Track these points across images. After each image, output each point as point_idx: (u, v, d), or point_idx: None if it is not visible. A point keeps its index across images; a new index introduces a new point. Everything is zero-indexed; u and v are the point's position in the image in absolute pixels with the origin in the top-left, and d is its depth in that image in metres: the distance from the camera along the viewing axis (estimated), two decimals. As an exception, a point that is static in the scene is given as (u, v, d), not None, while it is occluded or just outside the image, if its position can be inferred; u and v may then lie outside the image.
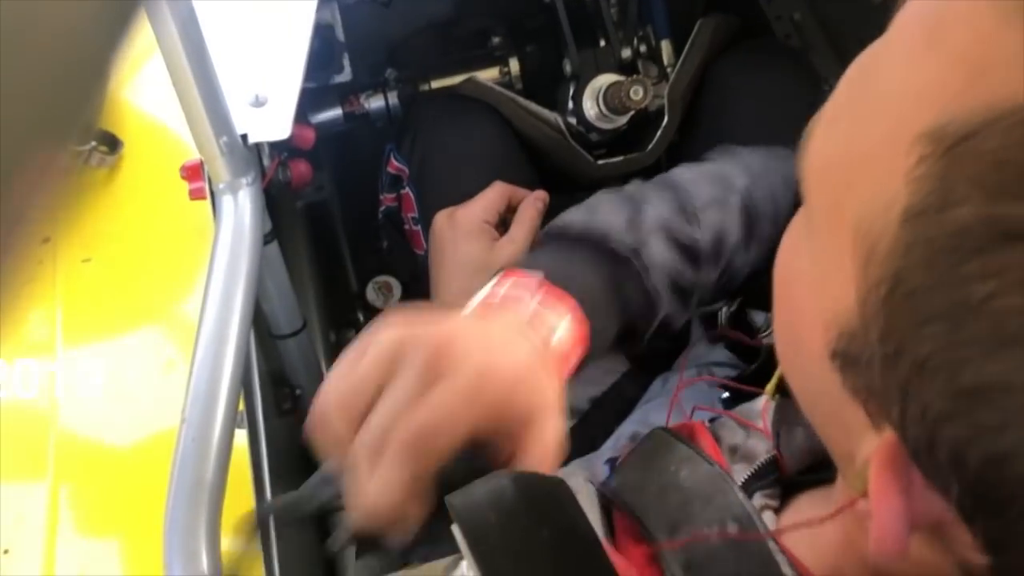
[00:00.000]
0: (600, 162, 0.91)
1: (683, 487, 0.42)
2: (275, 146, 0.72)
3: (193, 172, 0.71)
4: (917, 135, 0.23)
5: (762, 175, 0.64)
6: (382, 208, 0.94)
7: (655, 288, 0.56)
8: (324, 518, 0.68)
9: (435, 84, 0.98)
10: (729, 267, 0.62)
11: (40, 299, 1.23)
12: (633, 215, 0.58)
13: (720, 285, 0.63)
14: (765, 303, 0.71)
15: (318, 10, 0.71)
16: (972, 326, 0.22)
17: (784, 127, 0.86)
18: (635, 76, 0.83)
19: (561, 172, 0.92)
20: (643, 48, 0.95)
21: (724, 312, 0.77)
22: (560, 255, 0.56)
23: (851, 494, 0.29)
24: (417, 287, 1.02)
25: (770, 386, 0.48)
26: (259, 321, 0.75)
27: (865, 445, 0.27)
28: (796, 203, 0.32)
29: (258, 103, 0.67)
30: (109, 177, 1.30)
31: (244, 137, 0.65)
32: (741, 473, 0.44)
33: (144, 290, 1.26)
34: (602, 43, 0.93)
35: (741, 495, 0.39)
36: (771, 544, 0.36)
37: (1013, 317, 0.21)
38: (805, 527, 0.32)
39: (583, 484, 0.48)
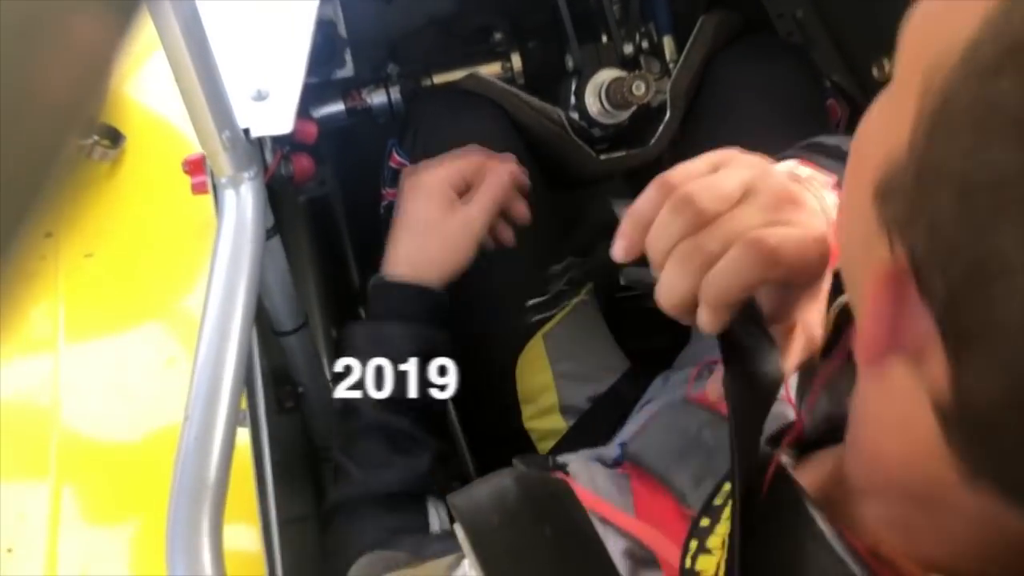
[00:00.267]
0: (602, 157, 0.91)
1: (707, 445, 0.43)
2: (277, 141, 0.72)
3: (195, 166, 0.70)
4: None
5: None
6: (384, 203, 0.94)
7: None
8: (325, 517, 0.68)
9: (437, 79, 0.98)
10: None
11: (42, 294, 1.23)
12: None
13: None
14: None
15: (320, 5, 0.71)
16: (995, 128, 0.22)
17: (786, 123, 0.88)
18: (637, 72, 0.83)
19: (563, 167, 0.92)
20: (645, 44, 0.95)
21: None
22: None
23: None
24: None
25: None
26: (261, 318, 0.75)
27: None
28: None
29: (260, 97, 0.67)
30: (111, 171, 1.29)
31: (246, 131, 0.65)
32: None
33: (146, 285, 1.25)
34: (604, 39, 0.93)
35: (767, 448, 0.39)
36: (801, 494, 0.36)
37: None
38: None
39: (590, 464, 0.49)
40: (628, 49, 0.94)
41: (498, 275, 0.81)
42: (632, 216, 0.43)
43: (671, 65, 0.93)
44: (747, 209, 0.41)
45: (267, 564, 0.62)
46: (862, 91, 0.98)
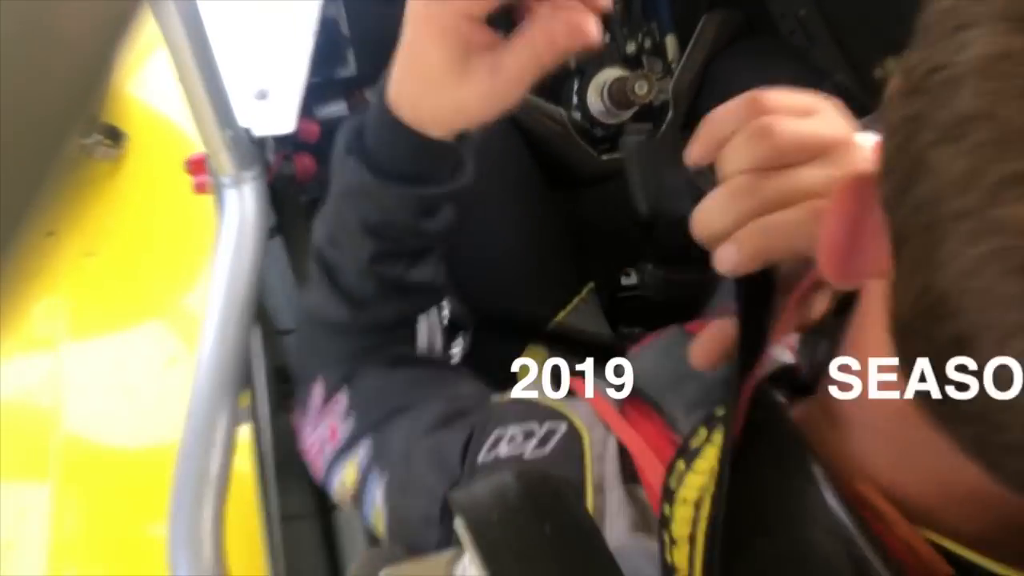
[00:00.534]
0: (604, 157, 0.91)
1: (703, 376, 0.42)
2: (279, 140, 0.72)
3: (197, 166, 0.70)
4: None
5: None
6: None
7: None
8: (326, 516, 0.68)
9: (439, 79, 0.97)
10: None
11: (43, 293, 1.23)
12: None
13: None
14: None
15: (323, 4, 0.71)
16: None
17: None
18: (639, 71, 0.83)
19: (565, 166, 0.92)
20: (647, 43, 0.95)
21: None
22: None
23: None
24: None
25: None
26: (262, 316, 0.75)
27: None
28: None
29: (262, 97, 0.67)
30: (113, 170, 1.29)
31: (248, 131, 0.65)
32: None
33: (147, 284, 1.25)
34: (606, 38, 0.93)
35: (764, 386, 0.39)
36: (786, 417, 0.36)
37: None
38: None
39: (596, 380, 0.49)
40: (630, 48, 0.94)
41: (499, 275, 0.81)
42: (711, 122, 0.42)
43: (673, 64, 0.93)
44: (820, 172, 0.39)
45: (268, 560, 0.62)
46: (865, 91, 0.98)
